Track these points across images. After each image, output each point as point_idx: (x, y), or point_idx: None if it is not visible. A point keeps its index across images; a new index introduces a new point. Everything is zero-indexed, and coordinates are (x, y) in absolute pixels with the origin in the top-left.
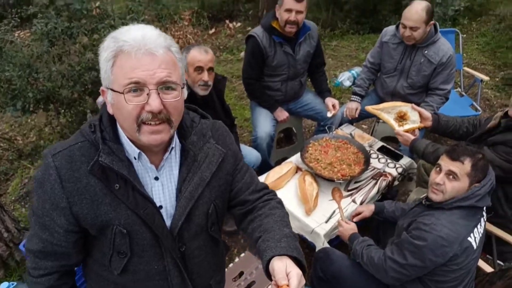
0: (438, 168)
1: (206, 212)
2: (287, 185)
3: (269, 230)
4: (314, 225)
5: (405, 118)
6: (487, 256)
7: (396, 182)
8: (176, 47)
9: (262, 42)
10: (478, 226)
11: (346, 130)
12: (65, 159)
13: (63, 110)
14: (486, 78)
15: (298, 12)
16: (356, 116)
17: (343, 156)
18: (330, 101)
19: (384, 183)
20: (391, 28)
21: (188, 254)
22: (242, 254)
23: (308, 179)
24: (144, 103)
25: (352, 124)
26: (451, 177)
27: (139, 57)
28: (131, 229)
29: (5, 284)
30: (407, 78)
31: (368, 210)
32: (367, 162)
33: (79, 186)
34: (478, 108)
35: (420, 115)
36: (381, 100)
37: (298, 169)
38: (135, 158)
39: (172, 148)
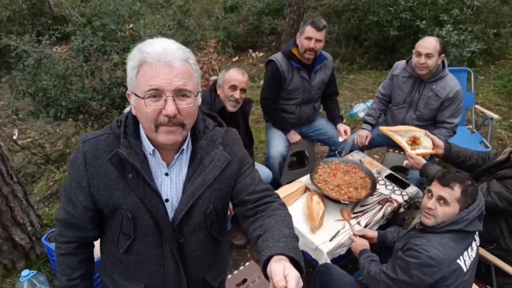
0: (430, 194)
1: (205, 212)
2: (295, 203)
3: (269, 230)
4: (318, 242)
5: (417, 143)
6: (487, 286)
7: (401, 209)
8: (193, 60)
9: (281, 67)
10: (469, 249)
11: (356, 156)
12: (92, 146)
13: (91, 121)
14: (497, 116)
15: (317, 40)
16: (366, 143)
17: (351, 180)
18: (342, 127)
19: (389, 209)
20: (402, 62)
21: (186, 247)
22: (247, 263)
23: (316, 198)
24: (161, 108)
25: (363, 152)
26: (442, 202)
27: (159, 68)
28: (136, 215)
29: (26, 271)
30: (415, 110)
31: (372, 234)
32: (373, 187)
33: (99, 171)
34: (488, 145)
35: (433, 142)
36: None
37: (307, 189)
38: (150, 154)
39: (183, 149)
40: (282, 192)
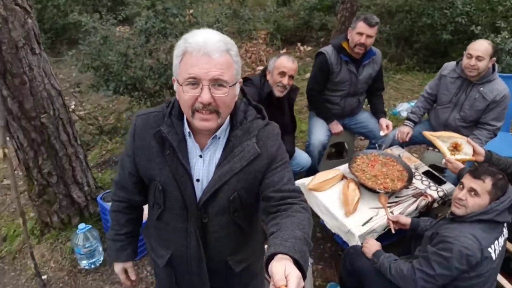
0: (461, 186)
1: (229, 197)
2: (332, 188)
3: (282, 229)
4: (351, 226)
5: (458, 149)
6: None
7: (435, 205)
8: (235, 51)
9: (330, 59)
10: (499, 238)
11: (395, 151)
12: (142, 121)
13: (144, 99)
14: None
15: (368, 36)
16: (407, 140)
17: (388, 172)
18: (384, 121)
19: (423, 202)
20: (451, 64)
21: (209, 227)
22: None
23: (352, 186)
24: (197, 95)
25: (402, 148)
26: (473, 194)
27: (199, 58)
28: (167, 189)
29: (82, 225)
30: (460, 111)
31: (405, 220)
32: (409, 180)
33: (144, 144)
34: None
35: (474, 149)
36: (433, 129)
37: (344, 177)
38: (188, 135)
39: (216, 135)
40: (320, 177)
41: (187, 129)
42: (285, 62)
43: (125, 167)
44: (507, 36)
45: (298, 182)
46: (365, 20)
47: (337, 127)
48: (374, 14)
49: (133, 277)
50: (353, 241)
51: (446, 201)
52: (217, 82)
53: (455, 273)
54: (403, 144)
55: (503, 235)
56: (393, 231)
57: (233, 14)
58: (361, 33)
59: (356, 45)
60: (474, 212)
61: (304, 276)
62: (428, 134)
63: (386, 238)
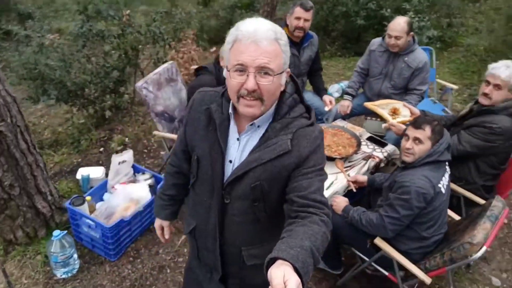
0: (407, 137)
1: (251, 184)
2: None
3: (292, 236)
4: None
5: (397, 113)
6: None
7: (382, 164)
8: (284, 40)
9: None
10: (445, 174)
11: (339, 123)
12: (200, 96)
13: (85, 106)
14: (455, 87)
15: (305, 20)
16: (348, 112)
17: (339, 140)
18: (327, 97)
19: (373, 163)
20: (378, 39)
21: (229, 209)
22: None
23: None
24: (243, 82)
25: (345, 120)
26: (417, 142)
27: (247, 45)
28: (201, 161)
29: (57, 231)
30: (390, 80)
31: (362, 178)
32: (359, 146)
33: (195, 116)
34: (450, 112)
35: (410, 111)
36: (369, 100)
37: None
38: (232, 117)
39: (254, 123)
40: None
41: (230, 111)
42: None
43: (179, 135)
44: (412, 16)
45: None
46: (301, 5)
47: None
48: None
49: (166, 236)
50: None
51: (389, 160)
52: (263, 70)
53: (416, 211)
54: (345, 117)
55: (447, 171)
56: (354, 190)
57: (166, 14)
58: (299, 17)
59: (295, 29)
60: (421, 157)
61: (303, 285)
62: (370, 104)
63: (349, 198)
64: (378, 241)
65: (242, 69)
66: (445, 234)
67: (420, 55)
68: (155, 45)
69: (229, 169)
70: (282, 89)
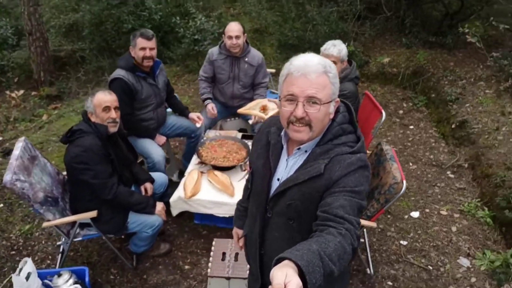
0: None
1: (286, 202)
2: (203, 186)
3: (302, 243)
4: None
5: (265, 109)
6: None
7: None
8: (333, 73)
9: (129, 80)
10: None
11: (211, 134)
12: (268, 122)
13: None
14: (272, 70)
15: (151, 49)
16: (216, 113)
17: (229, 149)
18: (194, 115)
19: None
20: (215, 49)
21: (270, 224)
22: (213, 243)
23: (216, 173)
24: (293, 110)
25: (210, 129)
26: None
27: (297, 78)
28: (255, 174)
29: None
30: (239, 81)
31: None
32: (246, 146)
33: (260, 137)
34: (277, 92)
35: (276, 103)
36: (223, 105)
37: (202, 172)
38: (283, 140)
39: (300, 148)
40: (188, 184)
41: (282, 134)
42: (103, 98)
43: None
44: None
45: (174, 197)
46: (141, 35)
47: (161, 138)
48: (64, 33)
49: (240, 243)
50: None
51: None
52: (311, 100)
53: None
54: (210, 125)
55: None
56: None
57: None
58: (144, 47)
59: (143, 59)
60: None
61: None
62: (243, 111)
63: None
64: None
65: (292, 98)
66: None
67: (256, 53)
68: None
69: (275, 186)
70: (331, 117)
